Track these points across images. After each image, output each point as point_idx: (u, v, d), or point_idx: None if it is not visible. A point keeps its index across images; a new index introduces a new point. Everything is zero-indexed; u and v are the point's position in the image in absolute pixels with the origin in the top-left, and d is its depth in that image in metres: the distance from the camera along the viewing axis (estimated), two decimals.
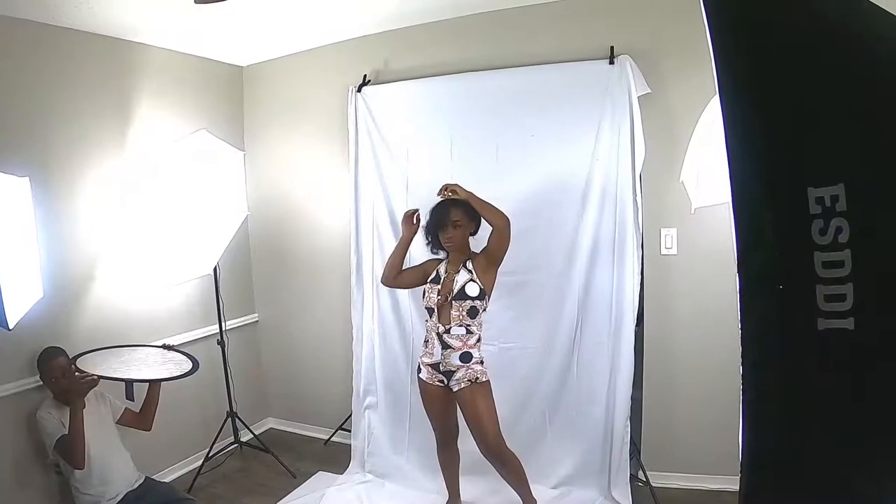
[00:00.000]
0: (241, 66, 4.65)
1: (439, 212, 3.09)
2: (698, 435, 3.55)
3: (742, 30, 1.26)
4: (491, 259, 3.06)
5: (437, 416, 3.23)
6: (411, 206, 3.26)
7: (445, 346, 3.06)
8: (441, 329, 3.06)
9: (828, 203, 1.10)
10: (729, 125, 1.21)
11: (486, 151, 3.62)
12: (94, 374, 3.02)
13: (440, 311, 3.09)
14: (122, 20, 3.42)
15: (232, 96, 4.62)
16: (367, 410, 4.07)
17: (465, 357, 3.05)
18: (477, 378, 3.05)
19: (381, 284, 3.47)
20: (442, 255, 3.21)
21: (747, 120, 1.22)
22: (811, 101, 1.18)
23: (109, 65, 3.65)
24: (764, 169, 1.20)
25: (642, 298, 3.48)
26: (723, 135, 1.17)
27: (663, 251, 3.51)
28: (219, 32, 3.89)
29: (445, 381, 3.10)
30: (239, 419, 4.20)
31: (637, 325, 3.47)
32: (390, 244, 3.75)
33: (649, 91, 3.37)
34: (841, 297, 1.11)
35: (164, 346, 3.56)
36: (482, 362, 3.11)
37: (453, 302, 3.04)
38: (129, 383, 3.15)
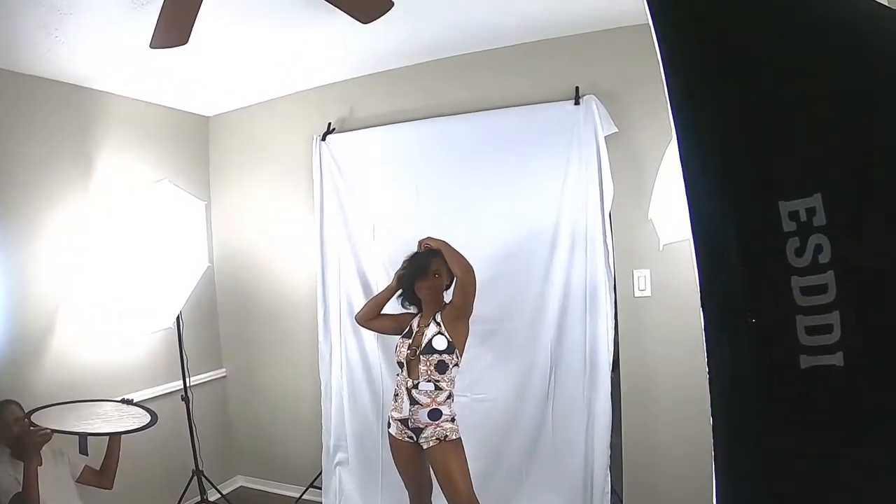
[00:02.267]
0: (207, 116, 4.61)
1: (418, 261, 3.04)
2: (682, 482, 3.41)
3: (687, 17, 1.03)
4: (457, 311, 2.97)
5: (407, 472, 3.09)
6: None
7: (414, 401, 2.93)
8: (410, 384, 2.95)
9: (803, 217, 0.90)
10: (680, 132, 1.00)
11: (452, 197, 3.56)
12: (47, 428, 2.88)
13: (409, 365, 2.98)
14: (84, 67, 3.38)
15: (197, 146, 4.56)
16: (337, 467, 3.92)
17: (434, 414, 2.92)
18: (446, 436, 2.91)
19: (354, 325, 3.45)
20: (414, 310, 3.14)
21: (700, 123, 1.01)
22: (770, 96, 0.97)
23: (70, 112, 3.59)
24: (723, 181, 0.99)
25: (617, 343, 3.38)
26: (676, 146, 0.99)
27: (637, 293, 3.42)
28: (183, 82, 3.86)
29: (415, 438, 2.97)
30: (205, 478, 4.01)
31: (613, 370, 3.37)
32: (357, 295, 3.68)
33: (616, 130, 3.33)
34: (826, 329, 0.90)
35: (124, 401, 3.43)
36: (453, 419, 2.96)
37: (421, 356, 2.94)
38: (83, 437, 3.04)
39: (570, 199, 3.34)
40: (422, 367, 2.93)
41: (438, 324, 2.98)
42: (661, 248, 1.93)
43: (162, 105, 4.21)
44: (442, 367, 2.93)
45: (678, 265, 3.28)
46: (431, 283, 3.00)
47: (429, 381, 2.93)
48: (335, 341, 3.90)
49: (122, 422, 3.23)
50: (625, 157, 3.35)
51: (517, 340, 3.46)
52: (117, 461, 3.25)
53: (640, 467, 3.50)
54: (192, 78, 3.79)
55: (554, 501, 3.44)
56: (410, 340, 3.01)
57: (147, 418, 3.23)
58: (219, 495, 4.14)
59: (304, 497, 4.27)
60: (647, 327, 3.43)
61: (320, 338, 3.94)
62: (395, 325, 3.16)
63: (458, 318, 2.98)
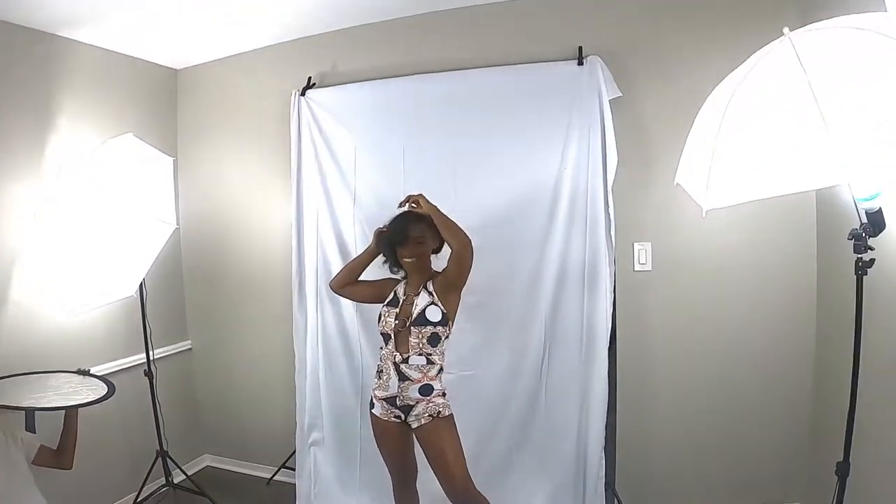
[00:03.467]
0: (176, 69, 4.29)
1: (399, 225, 2.77)
2: (678, 464, 3.30)
3: None
4: (450, 282, 2.74)
5: (393, 455, 2.85)
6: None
7: (403, 377, 2.70)
8: (398, 358, 2.71)
9: None
10: None
11: (441, 160, 3.32)
12: None
13: (397, 337, 2.73)
14: (48, 11, 3.09)
15: (165, 101, 4.26)
16: (312, 447, 3.69)
17: (426, 390, 2.70)
18: (439, 412, 2.70)
19: (332, 294, 3.13)
20: (400, 274, 2.89)
21: None
22: None
23: (30, 60, 3.28)
24: None
25: (615, 319, 3.21)
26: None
27: (636, 267, 3.25)
28: (152, 31, 3.57)
29: (403, 417, 2.74)
30: (170, 458, 3.77)
31: (609, 347, 3.19)
32: (336, 263, 3.43)
33: (620, 94, 3.13)
34: None
35: (80, 372, 3.19)
36: (444, 394, 2.75)
37: (412, 328, 2.70)
38: (30, 412, 2.81)
39: (571, 166, 3.14)
40: (412, 340, 2.70)
41: (431, 293, 2.76)
42: (704, 215, 1.75)
43: (128, 55, 3.90)
44: (434, 340, 2.71)
45: (681, 239, 3.19)
46: (413, 250, 2.74)
47: (420, 354, 2.70)
48: (311, 312, 3.65)
49: (77, 395, 2.97)
50: (628, 123, 3.17)
51: (510, 314, 3.25)
52: (75, 438, 2.99)
53: (634, 451, 3.37)
54: (161, 27, 3.51)
55: (545, 485, 3.28)
56: (398, 310, 2.77)
57: (103, 390, 2.98)
58: (185, 476, 3.91)
59: (276, 478, 4.07)
60: (647, 303, 3.27)
61: (295, 308, 3.68)
62: (375, 293, 2.91)
63: (451, 289, 2.76)
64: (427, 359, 2.71)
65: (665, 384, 3.27)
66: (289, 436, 3.83)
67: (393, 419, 2.77)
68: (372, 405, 2.83)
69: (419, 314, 2.71)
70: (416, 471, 2.91)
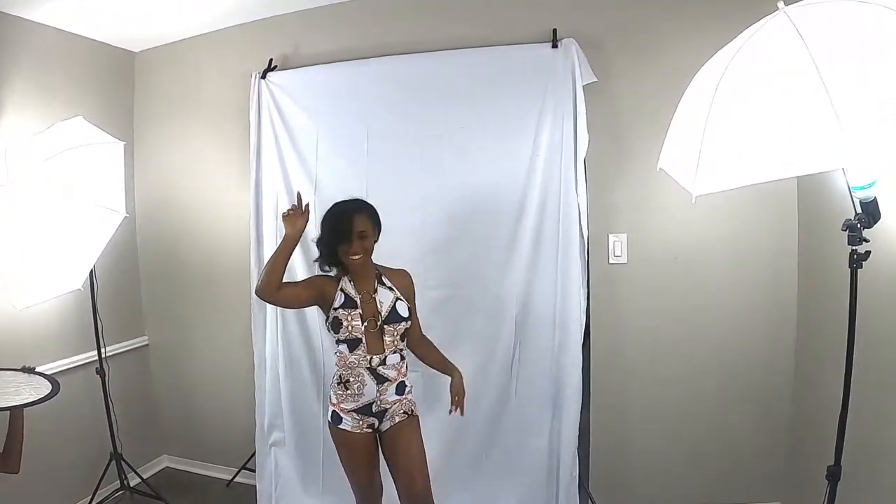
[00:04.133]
0: (134, 52, 4.09)
1: (338, 221, 2.49)
2: (654, 462, 3.21)
3: None
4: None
5: (362, 472, 2.63)
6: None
7: (381, 379, 2.52)
8: (375, 361, 2.51)
9: None
10: None
11: (407, 146, 3.18)
12: None
13: (368, 340, 2.52)
14: None
15: (122, 85, 4.05)
16: (273, 448, 3.54)
17: (401, 388, 2.58)
18: (412, 410, 2.58)
19: (255, 292, 2.62)
20: (334, 272, 2.62)
21: None
22: None
23: None
24: None
25: (589, 314, 3.10)
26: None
27: (612, 259, 3.14)
28: (109, 10, 3.39)
29: (377, 423, 2.57)
30: (125, 461, 3.59)
31: (583, 342, 3.08)
32: (297, 255, 3.23)
33: (595, 80, 3.02)
34: None
35: (25, 369, 2.98)
36: (412, 391, 2.64)
37: (385, 326, 2.52)
38: None
39: (543, 154, 3.01)
40: (387, 339, 2.53)
41: (391, 288, 2.59)
42: (693, 201, 1.62)
43: (83, 36, 3.70)
44: (403, 335, 2.59)
45: (658, 230, 3.10)
46: (360, 246, 2.47)
47: (395, 352, 2.55)
48: (270, 307, 3.46)
49: (19, 394, 2.77)
50: (603, 109, 3.06)
51: (479, 308, 3.12)
52: (21, 440, 2.78)
53: (608, 450, 3.27)
54: (119, 6, 3.33)
55: (516, 485, 3.17)
56: (359, 310, 2.52)
57: (47, 389, 2.79)
58: (141, 480, 3.75)
59: (237, 480, 3.90)
60: (623, 296, 3.17)
61: (254, 303, 3.51)
62: (315, 294, 2.58)
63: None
64: (400, 355, 2.58)
65: (641, 380, 3.17)
66: (250, 436, 3.66)
67: (365, 430, 2.57)
68: (338, 420, 2.58)
69: (390, 311, 2.54)
70: (382, 489, 2.73)
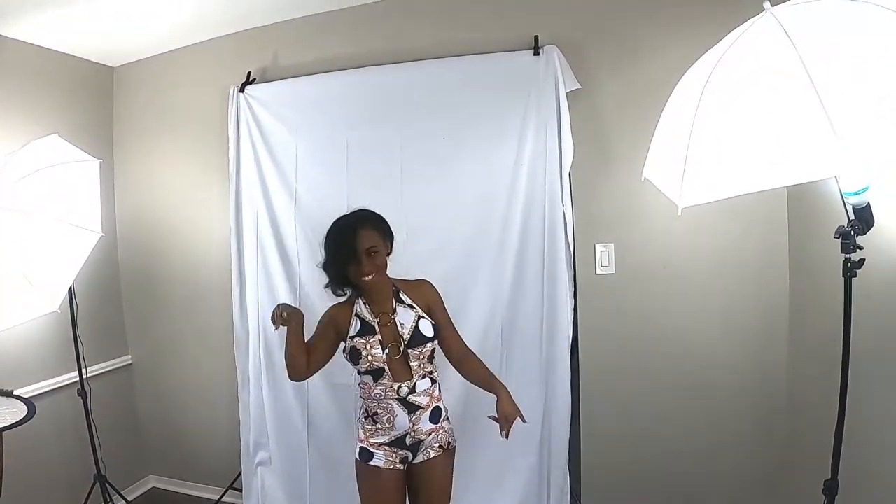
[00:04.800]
0: (112, 67, 4.04)
1: (342, 239, 2.26)
2: (646, 476, 3.13)
3: None
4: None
5: None
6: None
7: (413, 408, 2.31)
8: (403, 391, 2.29)
9: None
10: None
11: (388, 158, 3.12)
12: None
13: (393, 368, 2.29)
14: None
15: (100, 101, 4.01)
16: (259, 467, 3.49)
17: (436, 415, 2.36)
18: (449, 442, 2.39)
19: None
20: (348, 293, 2.42)
21: None
22: None
23: None
24: None
25: (576, 326, 3.04)
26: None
27: (599, 270, 3.06)
28: (84, 25, 3.35)
29: (411, 457, 2.36)
30: (109, 484, 3.51)
31: (571, 354, 3.02)
32: (278, 272, 3.23)
33: (579, 87, 2.96)
34: None
35: (1, 393, 2.97)
36: (449, 418, 2.44)
37: (409, 351, 2.30)
38: None
39: (527, 162, 2.95)
40: (413, 364, 2.30)
41: (412, 305, 2.37)
42: (679, 213, 1.55)
43: (60, 52, 3.66)
44: (432, 357, 2.37)
45: (646, 239, 3.03)
46: (371, 264, 2.24)
47: (424, 377, 2.33)
48: (252, 324, 3.42)
49: None
50: (585, 117, 3.00)
51: (464, 324, 3.01)
52: (1, 464, 2.75)
53: (599, 465, 3.19)
54: (95, 20, 3.28)
55: (506, 501, 3.10)
56: (378, 337, 2.30)
57: (23, 412, 2.76)
58: (126, 502, 3.71)
59: (224, 499, 3.82)
60: (611, 307, 3.09)
61: (236, 319, 3.47)
62: (335, 339, 2.37)
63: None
64: (430, 379, 2.36)
65: (631, 392, 3.10)
66: (236, 454, 3.61)
67: (398, 465, 2.35)
68: (368, 456, 2.34)
69: (413, 333, 2.31)
70: None
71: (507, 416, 2.25)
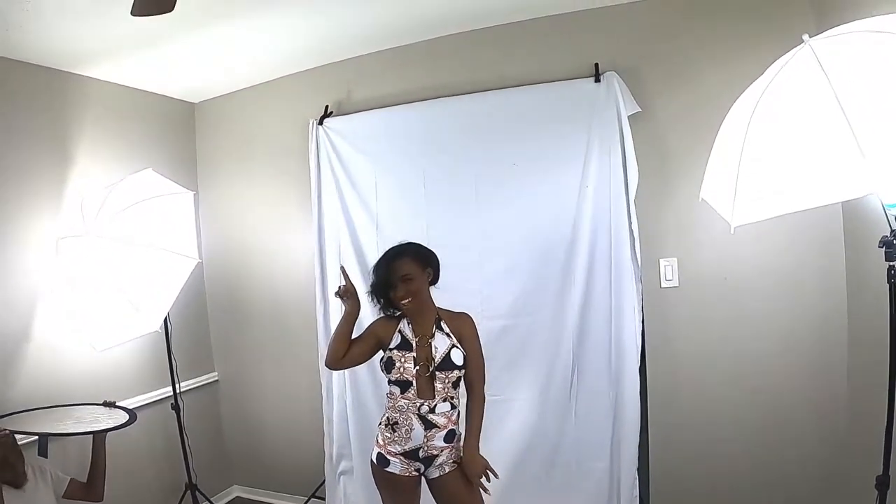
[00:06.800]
0: (193, 103, 4.34)
1: (381, 268, 2.56)
2: (713, 481, 3.20)
3: None
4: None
5: None
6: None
7: (430, 425, 2.49)
8: (424, 408, 2.48)
9: None
10: None
11: (462, 184, 3.31)
12: (5, 429, 2.60)
13: (420, 384, 2.50)
14: (61, 48, 3.11)
15: (183, 134, 4.30)
16: (342, 476, 3.68)
17: (450, 436, 2.53)
18: (461, 457, 2.54)
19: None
20: (398, 313, 2.66)
21: None
22: None
23: (46, 98, 3.33)
24: None
25: (643, 337, 3.14)
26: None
27: (664, 284, 3.18)
28: (167, 65, 3.59)
29: (423, 468, 2.55)
30: (199, 491, 3.75)
31: (639, 365, 3.12)
32: (361, 293, 3.36)
33: (639, 109, 3.11)
34: None
35: (106, 404, 3.22)
36: (461, 438, 2.59)
37: (436, 373, 2.49)
38: (43, 437, 2.82)
39: (592, 184, 3.10)
40: (438, 386, 2.49)
41: (448, 335, 2.56)
42: (732, 232, 1.72)
43: (144, 90, 3.94)
44: (457, 384, 2.54)
45: (708, 253, 3.12)
46: (406, 291, 2.49)
47: (445, 400, 2.51)
48: None
49: (97, 423, 3.00)
50: (645, 138, 3.13)
51: (536, 337, 3.20)
52: (104, 470, 3.00)
53: (668, 470, 3.27)
54: (177, 61, 3.53)
55: None
56: (413, 353, 2.52)
57: (124, 419, 3.01)
58: None
59: None
60: (676, 319, 3.19)
61: (320, 337, 3.68)
62: (374, 345, 2.63)
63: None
64: (451, 404, 2.53)
65: (697, 400, 3.19)
66: (318, 465, 3.80)
67: (413, 473, 2.55)
68: (384, 463, 2.56)
69: (444, 358, 2.50)
70: None
71: (469, 469, 2.50)
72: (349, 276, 2.66)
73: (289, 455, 4.17)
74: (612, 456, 3.15)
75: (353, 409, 3.60)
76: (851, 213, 2.83)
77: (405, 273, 2.49)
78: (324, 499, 3.76)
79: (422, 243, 2.63)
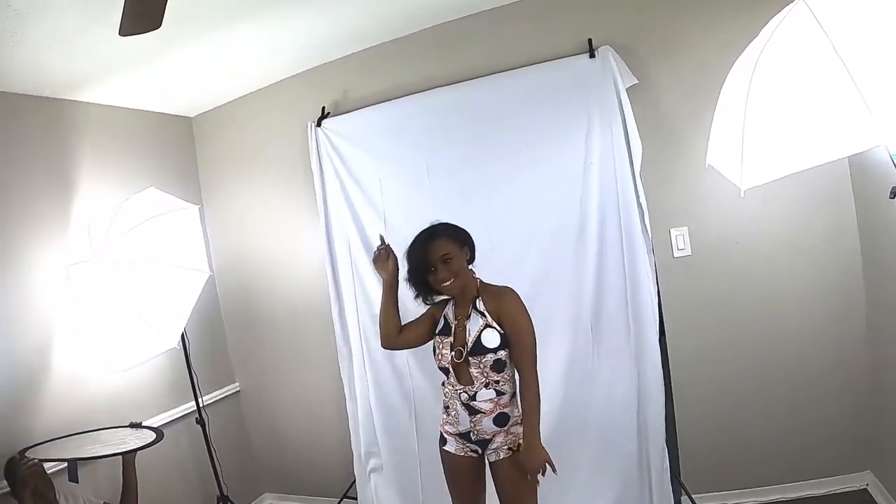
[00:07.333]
0: (189, 117, 4.32)
1: (417, 251, 2.42)
2: (741, 445, 3.22)
3: None
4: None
5: (465, 494, 2.53)
6: (392, 241, 2.65)
7: (474, 411, 2.39)
8: (465, 396, 2.39)
9: None
10: None
11: (466, 171, 3.30)
12: (34, 458, 2.63)
13: (457, 370, 2.40)
14: (53, 76, 3.11)
15: (183, 151, 4.28)
16: (371, 474, 3.67)
17: (501, 419, 2.39)
18: (519, 444, 2.37)
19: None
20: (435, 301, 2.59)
21: None
22: None
23: (43, 126, 3.32)
24: None
25: (661, 308, 3.14)
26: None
27: (676, 253, 3.18)
28: (162, 82, 3.59)
29: (480, 450, 2.46)
30: (232, 503, 3.75)
31: (659, 336, 3.13)
32: (374, 288, 3.38)
33: (636, 81, 3.10)
34: None
35: (132, 425, 3.23)
36: (518, 422, 2.44)
37: (470, 359, 2.36)
38: (72, 462, 2.79)
39: (597, 160, 3.09)
40: (474, 372, 2.36)
41: (483, 313, 2.38)
42: (742, 195, 1.71)
43: (140, 110, 3.92)
44: (499, 366, 2.35)
45: (718, 219, 3.13)
46: (445, 272, 2.36)
47: (488, 385, 2.36)
48: (354, 338, 3.63)
49: (125, 444, 3.01)
50: (646, 109, 3.13)
51: (553, 319, 3.17)
52: (136, 491, 3.02)
53: (695, 436, 3.29)
54: (169, 76, 3.52)
55: (611, 482, 3.21)
56: (451, 338, 2.41)
57: (150, 437, 3.02)
58: None
59: None
60: (692, 287, 3.20)
61: (338, 336, 3.67)
62: (431, 326, 2.53)
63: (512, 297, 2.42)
64: (495, 390, 2.37)
65: (718, 367, 3.19)
66: (347, 465, 3.81)
67: (470, 454, 2.48)
68: (443, 441, 2.54)
69: (475, 342, 2.35)
70: None
71: (525, 464, 2.31)
72: (388, 243, 2.62)
73: (316, 458, 4.17)
74: (640, 430, 3.14)
75: (378, 405, 3.60)
76: (858, 168, 2.83)
77: (444, 253, 2.37)
78: (356, 498, 3.76)
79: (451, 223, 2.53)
